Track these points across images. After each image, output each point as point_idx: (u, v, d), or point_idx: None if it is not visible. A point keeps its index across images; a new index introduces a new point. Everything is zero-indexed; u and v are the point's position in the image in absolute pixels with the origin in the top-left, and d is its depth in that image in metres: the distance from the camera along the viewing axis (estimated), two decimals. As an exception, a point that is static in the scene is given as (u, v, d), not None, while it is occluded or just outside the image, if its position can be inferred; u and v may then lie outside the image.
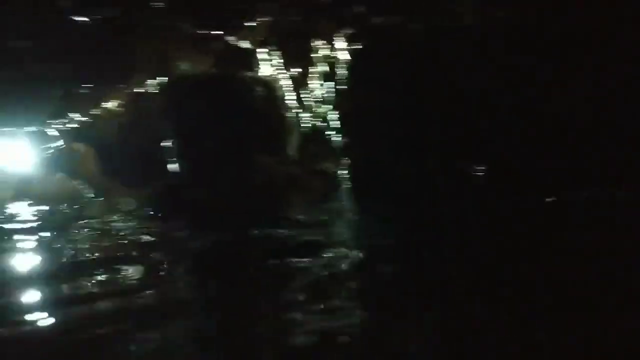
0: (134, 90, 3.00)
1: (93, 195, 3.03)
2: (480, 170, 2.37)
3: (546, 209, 2.33)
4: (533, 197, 2.35)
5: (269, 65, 2.84)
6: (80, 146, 3.08)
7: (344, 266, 2.07)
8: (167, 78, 2.82)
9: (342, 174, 2.81)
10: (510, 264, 1.91)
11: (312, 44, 2.70)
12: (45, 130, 3.20)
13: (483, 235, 2.20)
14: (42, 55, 2.47)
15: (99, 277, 1.95)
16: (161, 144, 2.70)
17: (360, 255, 2.20)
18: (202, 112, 2.38)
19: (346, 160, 2.78)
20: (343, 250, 2.21)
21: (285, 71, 2.81)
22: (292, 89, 2.76)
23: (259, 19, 2.74)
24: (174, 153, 2.53)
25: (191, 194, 2.38)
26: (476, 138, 2.28)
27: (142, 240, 2.40)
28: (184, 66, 2.77)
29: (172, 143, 2.52)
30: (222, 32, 2.78)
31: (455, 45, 2.23)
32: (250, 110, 2.38)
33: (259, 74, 2.72)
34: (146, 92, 2.95)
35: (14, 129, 2.81)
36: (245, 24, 2.75)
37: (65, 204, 2.95)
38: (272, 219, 2.38)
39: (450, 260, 2.02)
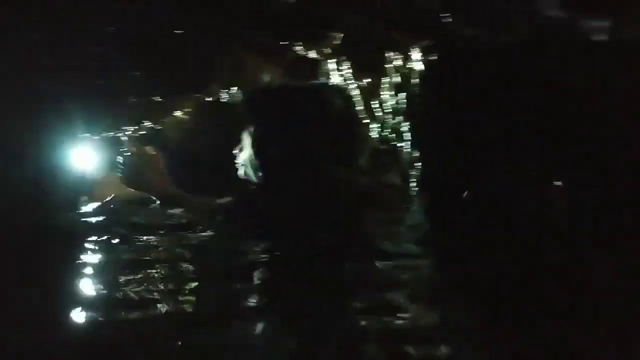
0: (207, 99, 3.05)
1: (160, 202, 3.08)
2: (560, 180, 2.31)
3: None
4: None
5: (342, 75, 2.84)
6: (150, 152, 3.15)
7: (416, 273, 2.07)
8: (241, 88, 2.86)
9: (413, 186, 2.78)
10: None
11: (385, 54, 2.68)
12: (119, 136, 3.28)
13: (565, 246, 2.15)
14: (120, 61, 2.53)
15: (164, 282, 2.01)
16: (233, 152, 2.72)
17: (432, 264, 2.18)
18: (280, 121, 2.39)
19: (417, 172, 2.75)
20: (414, 258, 2.20)
21: (357, 81, 2.81)
22: (364, 99, 2.75)
23: (334, 30, 2.74)
24: (248, 162, 2.54)
25: (265, 204, 2.39)
26: (556, 148, 2.22)
27: (210, 248, 2.44)
28: (259, 76, 2.80)
29: (247, 152, 2.53)
30: (297, 43, 2.80)
31: (534, 56, 2.18)
32: (327, 120, 2.38)
33: (333, 84, 2.73)
34: (219, 102, 3.00)
35: (89, 134, 2.88)
36: (321, 34, 2.76)
37: (134, 208, 3.02)
38: (345, 230, 2.38)
39: (527, 271, 1.98)
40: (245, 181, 2.65)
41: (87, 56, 2.32)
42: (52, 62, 2.29)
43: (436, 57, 2.31)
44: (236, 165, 2.70)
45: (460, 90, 2.31)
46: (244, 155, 2.55)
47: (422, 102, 2.59)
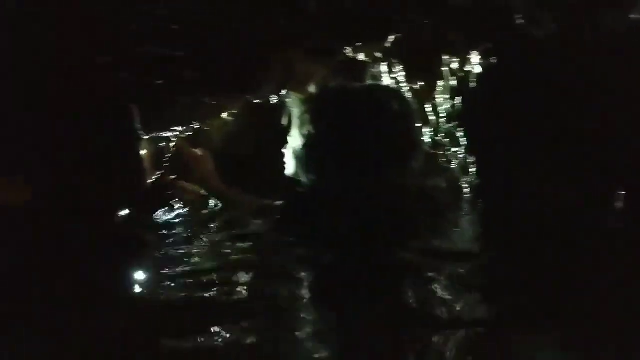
0: (257, 101, 3.04)
1: (213, 203, 3.07)
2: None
3: None
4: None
5: (393, 78, 2.80)
6: (199, 153, 3.14)
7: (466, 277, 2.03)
8: (290, 89, 2.84)
9: (466, 192, 2.73)
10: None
11: (441, 57, 2.64)
12: (168, 135, 3.28)
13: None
14: (176, 60, 2.54)
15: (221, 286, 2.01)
16: (282, 152, 2.70)
17: (483, 267, 2.13)
18: (335, 122, 2.36)
19: (470, 178, 2.70)
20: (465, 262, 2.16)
21: (410, 84, 2.76)
22: (417, 103, 2.70)
23: (387, 32, 2.70)
24: (299, 163, 2.52)
25: (317, 204, 2.36)
26: (625, 160, 2.14)
27: (264, 252, 2.43)
28: (309, 78, 2.78)
29: (299, 153, 2.51)
30: (349, 44, 2.77)
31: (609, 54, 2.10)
32: (383, 122, 2.34)
33: (390, 86, 2.68)
34: (269, 103, 2.98)
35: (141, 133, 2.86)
36: (373, 36, 2.73)
37: (188, 209, 3.03)
38: (396, 233, 2.34)
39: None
40: (295, 182, 2.63)
41: (145, 55, 2.34)
42: (111, 60, 2.32)
43: (497, 61, 2.26)
44: (285, 166, 2.68)
45: (523, 94, 2.25)
46: (295, 156, 2.53)
47: (479, 106, 2.54)
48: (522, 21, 2.09)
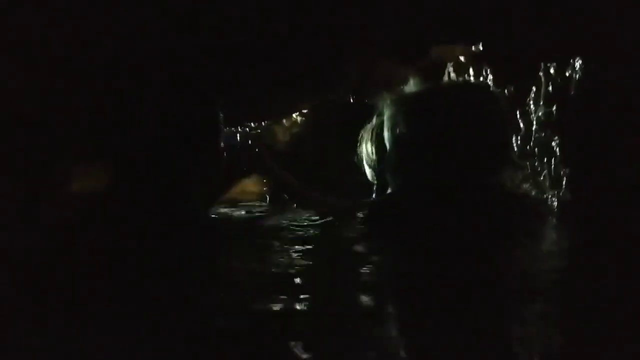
0: (336, 100, 2.97)
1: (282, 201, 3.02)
2: None
3: None
4: None
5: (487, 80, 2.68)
6: (271, 150, 3.08)
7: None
8: (373, 89, 2.75)
9: (553, 207, 2.59)
10: None
11: (537, 62, 2.50)
12: (235, 131, 3.25)
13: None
14: (263, 53, 2.48)
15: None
16: (361, 154, 2.62)
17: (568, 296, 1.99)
18: (425, 125, 2.26)
19: (559, 193, 2.56)
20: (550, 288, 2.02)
21: (500, 90, 2.63)
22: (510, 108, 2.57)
23: (477, 33, 2.59)
24: (388, 168, 2.42)
25: (402, 209, 2.26)
26: None
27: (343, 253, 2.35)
28: (393, 78, 2.68)
29: (386, 156, 2.41)
30: (436, 45, 2.66)
31: None
32: (474, 128, 2.22)
33: (484, 89, 2.56)
34: (350, 103, 2.91)
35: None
36: (462, 37, 2.62)
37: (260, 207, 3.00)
38: (481, 244, 2.22)
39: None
40: (377, 185, 2.54)
41: (231, 47, 2.30)
42: (197, 50, 2.28)
43: (605, 67, 2.11)
44: (363, 168, 2.60)
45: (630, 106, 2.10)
46: (381, 158, 2.44)
47: (575, 116, 2.40)
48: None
